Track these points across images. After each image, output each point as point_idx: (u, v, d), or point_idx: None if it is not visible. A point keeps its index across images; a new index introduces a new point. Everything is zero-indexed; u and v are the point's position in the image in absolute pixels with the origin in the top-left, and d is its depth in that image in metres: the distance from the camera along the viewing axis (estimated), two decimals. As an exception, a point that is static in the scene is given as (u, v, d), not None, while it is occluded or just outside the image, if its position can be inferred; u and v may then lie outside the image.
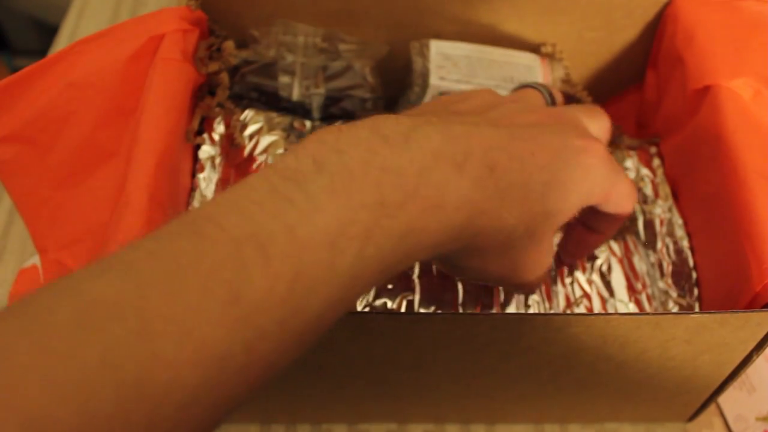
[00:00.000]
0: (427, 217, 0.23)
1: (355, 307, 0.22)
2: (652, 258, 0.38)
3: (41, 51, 0.52)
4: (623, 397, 0.37)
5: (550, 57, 0.42)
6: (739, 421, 0.39)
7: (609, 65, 0.44)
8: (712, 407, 0.41)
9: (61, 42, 0.58)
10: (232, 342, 0.19)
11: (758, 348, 0.32)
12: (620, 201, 0.30)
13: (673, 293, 0.37)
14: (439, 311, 0.34)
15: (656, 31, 0.42)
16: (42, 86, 0.33)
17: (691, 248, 0.38)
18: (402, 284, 0.35)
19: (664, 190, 0.40)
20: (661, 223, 0.39)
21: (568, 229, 0.35)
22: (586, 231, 0.33)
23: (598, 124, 0.31)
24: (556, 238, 0.36)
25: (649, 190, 0.40)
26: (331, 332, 0.30)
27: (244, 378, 0.19)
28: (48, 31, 0.82)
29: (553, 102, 0.33)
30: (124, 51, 0.34)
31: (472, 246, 0.25)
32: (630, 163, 0.41)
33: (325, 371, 0.34)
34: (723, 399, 0.40)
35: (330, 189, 0.21)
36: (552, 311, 0.35)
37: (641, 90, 0.45)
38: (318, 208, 0.21)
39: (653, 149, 0.42)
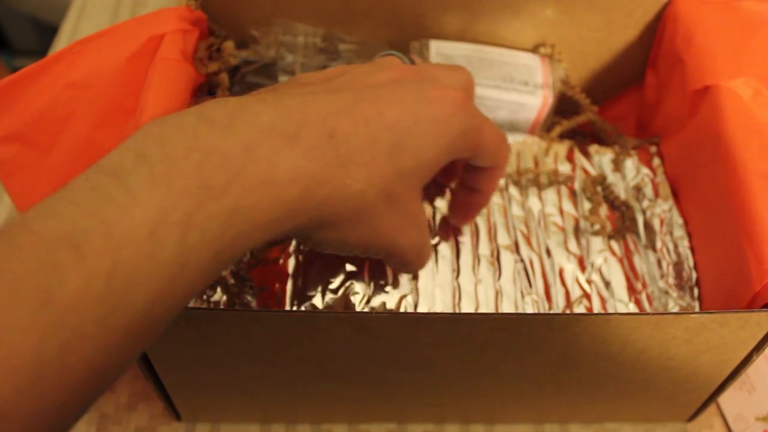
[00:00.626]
0: (257, 194, 0.22)
1: (192, 296, 0.22)
2: (652, 258, 0.38)
3: (41, 51, 0.52)
4: (623, 397, 0.37)
5: (549, 57, 0.42)
6: (739, 421, 0.39)
7: (609, 65, 0.44)
8: (712, 407, 0.41)
9: (61, 42, 0.58)
10: (47, 347, 0.18)
11: (758, 348, 0.32)
12: (491, 152, 0.29)
13: (673, 293, 0.37)
14: (438, 311, 0.34)
15: (656, 31, 0.42)
16: (42, 86, 0.33)
17: (691, 248, 0.38)
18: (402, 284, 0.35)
19: (665, 190, 0.40)
20: (661, 222, 0.39)
21: (453, 191, 0.34)
22: (467, 192, 0.32)
23: (458, 77, 0.30)
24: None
25: (649, 190, 0.40)
26: (331, 332, 0.30)
27: (66, 383, 0.19)
28: (48, 31, 0.82)
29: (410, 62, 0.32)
30: (124, 51, 0.34)
31: (320, 218, 0.24)
32: (630, 163, 0.41)
33: (325, 371, 0.34)
34: (723, 399, 0.40)
35: (150, 179, 0.21)
36: (552, 311, 0.35)
37: (641, 90, 0.45)
38: (137, 201, 0.20)
39: (653, 149, 0.42)
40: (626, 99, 0.46)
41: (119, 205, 0.20)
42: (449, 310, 0.34)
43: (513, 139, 0.41)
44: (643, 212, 0.39)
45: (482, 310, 0.35)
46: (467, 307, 0.35)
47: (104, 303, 0.19)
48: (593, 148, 0.42)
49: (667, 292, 0.37)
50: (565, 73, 0.42)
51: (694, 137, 0.38)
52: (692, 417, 0.40)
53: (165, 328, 0.21)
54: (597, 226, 0.38)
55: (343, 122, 0.24)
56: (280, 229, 0.23)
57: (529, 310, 0.35)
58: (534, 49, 0.43)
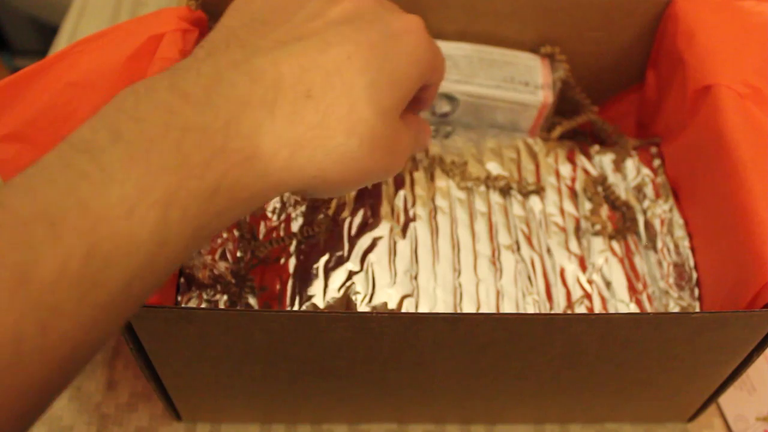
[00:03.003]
0: (239, 170, 0.22)
1: (171, 272, 0.22)
2: (653, 258, 0.38)
3: (41, 51, 0.53)
4: (623, 397, 0.37)
5: (550, 57, 0.42)
6: (740, 421, 0.39)
7: (609, 65, 0.44)
8: (712, 407, 0.41)
9: (61, 42, 0.58)
10: (25, 324, 0.18)
11: (758, 348, 0.32)
12: (441, 72, 0.30)
13: (674, 293, 0.37)
14: (439, 311, 0.34)
15: (656, 31, 0.42)
16: (42, 86, 0.33)
17: (692, 248, 0.38)
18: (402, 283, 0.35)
19: (665, 190, 0.40)
20: (662, 223, 0.39)
21: None
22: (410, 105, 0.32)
23: None
24: None
25: (650, 190, 0.40)
26: (331, 332, 0.30)
27: (47, 358, 0.19)
28: (48, 31, 0.82)
29: None
30: (124, 51, 0.34)
31: (303, 179, 0.24)
32: (631, 163, 0.41)
33: (326, 371, 0.34)
34: (723, 399, 0.40)
35: (127, 157, 0.20)
36: (553, 311, 0.35)
37: (642, 90, 0.45)
38: (113, 179, 0.20)
39: (654, 149, 0.42)
40: (627, 99, 0.46)
41: (95, 183, 0.20)
42: (450, 310, 0.34)
43: (513, 139, 0.41)
44: (644, 212, 0.39)
45: (483, 310, 0.35)
46: (468, 307, 0.35)
47: (82, 281, 0.19)
48: (594, 149, 0.42)
49: (667, 293, 0.37)
50: (566, 73, 0.42)
51: (695, 137, 0.38)
52: (692, 417, 0.40)
53: (144, 302, 0.22)
54: (598, 227, 0.38)
55: (318, 76, 0.24)
56: (263, 201, 0.24)
57: (530, 310, 0.35)
58: (535, 49, 0.43)
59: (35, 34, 1.16)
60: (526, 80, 0.41)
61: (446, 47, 0.41)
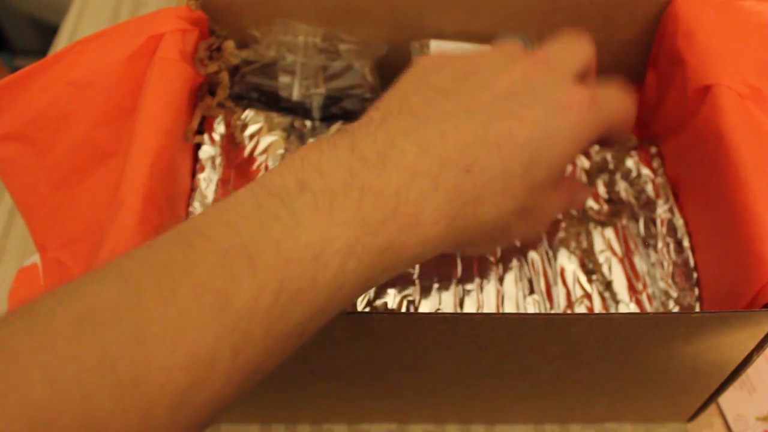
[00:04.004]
0: (406, 234, 0.24)
1: (336, 314, 0.24)
2: (653, 258, 0.38)
3: (41, 51, 0.52)
4: (623, 397, 0.37)
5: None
6: (739, 421, 0.39)
7: (609, 65, 0.44)
8: (712, 407, 0.41)
9: (61, 42, 0.58)
10: (221, 346, 0.20)
11: (758, 348, 0.32)
12: (620, 128, 0.31)
13: (674, 293, 0.37)
14: (439, 311, 0.34)
15: (656, 31, 0.42)
16: (42, 86, 0.33)
17: (692, 248, 0.38)
18: (401, 283, 0.35)
19: (665, 190, 0.40)
20: (662, 223, 0.39)
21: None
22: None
23: (580, 56, 0.31)
24: None
25: (649, 190, 0.40)
26: (331, 332, 0.30)
27: (231, 380, 0.20)
28: (48, 31, 0.82)
29: (531, 46, 0.32)
30: (124, 51, 0.34)
31: (455, 245, 0.26)
32: (630, 163, 0.41)
33: (326, 371, 0.34)
34: (723, 399, 0.40)
35: (313, 207, 0.22)
36: (553, 311, 0.35)
37: (642, 90, 0.45)
38: (301, 224, 0.22)
39: (654, 149, 0.42)
40: (626, 99, 0.46)
41: (285, 225, 0.22)
42: (450, 310, 0.34)
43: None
44: (644, 212, 0.39)
45: (484, 310, 0.35)
46: (469, 307, 0.35)
47: (271, 313, 0.21)
48: (594, 149, 0.42)
49: (667, 292, 0.37)
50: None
51: (695, 137, 0.38)
52: (692, 417, 0.40)
53: (308, 339, 0.23)
54: (594, 205, 0.38)
55: (479, 153, 0.25)
56: (418, 262, 0.25)
57: (531, 310, 0.35)
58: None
59: (35, 34, 1.16)
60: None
61: (447, 47, 0.41)
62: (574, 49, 0.31)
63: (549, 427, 0.40)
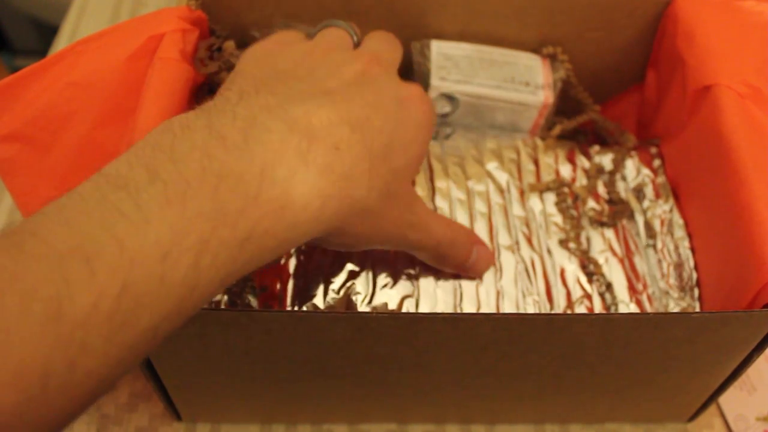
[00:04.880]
0: (271, 220, 0.22)
1: (194, 313, 0.22)
2: (653, 258, 0.38)
3: (41, 51, 0.53)
4: (623, 397, 0.37)
5: (552, 58, 0.42)
6: (740, 421, 0.39)
7: (609, 65, 0.44)
8: (712, 407, 0.41)
9: (61, 42, 0.58)
10: (54, 360, 0.18)
11: (758, 348, 0.32)
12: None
13: (674, 293, 0.37)
14: (439, 311, 0.34)
15: (656, 31, 0.42)
16: (42, 86, 0.33)
17: (692, 248, 0.38)
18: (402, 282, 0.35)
19: (665, 190, 0.40)
20: (662, 223, 0.39)
21: None
22: None
23: (396, 52, 0.33)
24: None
25: (650, 191, 0.40)
26: (331, 332, 0.30)
27: (70, 395, 0.19)
28: (48, 31, 0.82)
29: (356, 36, 0.33)
30: (124, 51, 0.34)
31: (326, 230, 0.25)
32: (631, 163, 0.41)
33: (326, 371, 0.34)
34: (723, 399, 0.40)
35: (163, 199, 0.20)
36: (553, 311, 0.35)
37: (642, 90, 0.45)
38: (149, 220, 0.20)
39: (654, 149, 0.42)
40: (627, 99, 0.46)
41: (131, 222, 0.20)
42: (450, 311, 0.34)
43: (514, 139, 0.41)
44: (644, 213, 0.39)
45: (483, 310, 0.35)
46: (469, 308, 0.35)
47: (112, 320, 0.19)
48: (594, 149, 0.42)
49: (667, 293, 0.37)
50: (567, 73, 0.42)
51: (695, 137, 0.38)
52: (692, 417, 0.40)
53: (164, 341, 0.22)
54: (594, 205, 0.38)
55: (345, 132, 0.25)
56: (287, 250, 0.24)
57: (531, 310, 0.35)
58: (536, 49, 0.43)
59: (35, 34, 1.16)
60: (526, 80, 0.41)
61: (447, 47, 0.41)
62: (394, 48, 0.33)
63: (549, 427, 0.40)
